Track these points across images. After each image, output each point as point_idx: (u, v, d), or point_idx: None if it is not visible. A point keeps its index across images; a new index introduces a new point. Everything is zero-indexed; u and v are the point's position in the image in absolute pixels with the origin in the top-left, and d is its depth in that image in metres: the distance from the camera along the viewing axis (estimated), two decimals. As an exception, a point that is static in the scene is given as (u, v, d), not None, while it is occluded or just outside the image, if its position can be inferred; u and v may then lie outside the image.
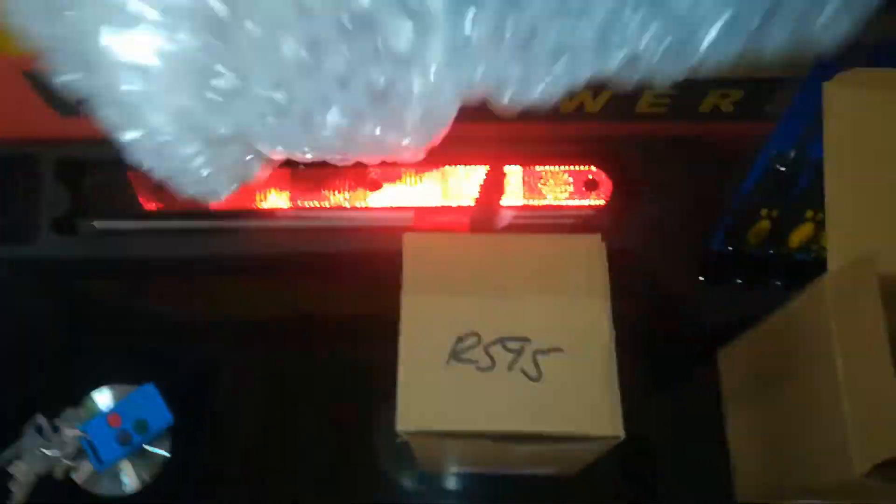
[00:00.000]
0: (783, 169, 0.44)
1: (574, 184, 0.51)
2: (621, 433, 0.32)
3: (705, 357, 0.50)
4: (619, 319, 0.34)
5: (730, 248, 0.49)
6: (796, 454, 0.39)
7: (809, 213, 0.45)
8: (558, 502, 0.47)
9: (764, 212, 0.46)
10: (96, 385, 0.48)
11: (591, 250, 0.36)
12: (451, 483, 0.47)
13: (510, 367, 0.33)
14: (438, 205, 0.50)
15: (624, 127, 0.49)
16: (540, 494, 0.46)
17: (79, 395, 0.48)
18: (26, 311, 0.52)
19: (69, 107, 0.46)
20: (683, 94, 0.46)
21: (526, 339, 0.34)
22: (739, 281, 0.52)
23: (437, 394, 0.33)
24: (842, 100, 0.36)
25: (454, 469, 0.44)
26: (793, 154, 0.43)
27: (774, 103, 0.45)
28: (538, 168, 0.51)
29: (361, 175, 0.51)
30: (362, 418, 0.46)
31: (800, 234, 0.47)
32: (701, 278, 0.52)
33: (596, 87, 0.45)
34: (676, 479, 0.48)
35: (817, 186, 0.36)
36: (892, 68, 0.36)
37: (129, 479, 0.47)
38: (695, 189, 0.50)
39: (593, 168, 0.51)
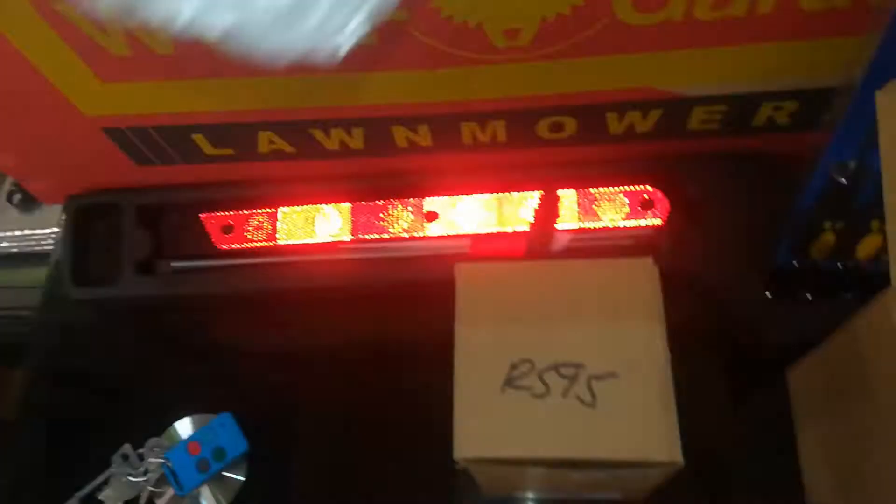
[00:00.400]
0: (844, 180, 0.42)
1: (630, 204, 0.51)
2: (680, 459, 0.32)
3: (775, 375, 0.49)
4: (684, 340, 0.34)
5: (795, 263, 0.48)
6: (869, 473, 0.38)
7: (875, 224, 0.44)
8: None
9: (827, 224, 0.45)
10: (177, 415, 0.51)
11: (643, 273, 0.36)
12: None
13: (564, 394, 0.34)
14: (494, 231, 0.51)
15: (676, 145, 0.49)
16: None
17: (162, 425, 0.51)
18: (112, 349, 0.56)
19: (145, 157, 0.50)
20: (735, 108, 0.46)
21: (580, 365, 0.34)
22: (808, 296, 0.50)
23: (492, 421, 0.33)
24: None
25: (517, 493, 0.44)
26: (853, 164, 0.42)
27: (832, 112, 0.44)
28: (592, 190, 0.51)
29: (419, 206, 0.53)
30: (436, 445, 0.47)
31: (867, 246, 0.45)
32: (767, 294, 0.50)
33: (645, 106, 0.45)
34: (748, 498, 0.47)
35: (881, 196, 0.35)
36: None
37: (208, 502, 0.49)
38: (755, 204, 0.49)
39: (648, 188, 0.51)
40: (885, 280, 0.35)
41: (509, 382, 0.34)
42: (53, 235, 0.66)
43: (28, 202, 0.67)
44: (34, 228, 0.68)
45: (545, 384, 0.34)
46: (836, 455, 0.42)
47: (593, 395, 0.33)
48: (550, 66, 0.41)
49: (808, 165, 0.44)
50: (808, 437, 0.46)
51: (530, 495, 0.45)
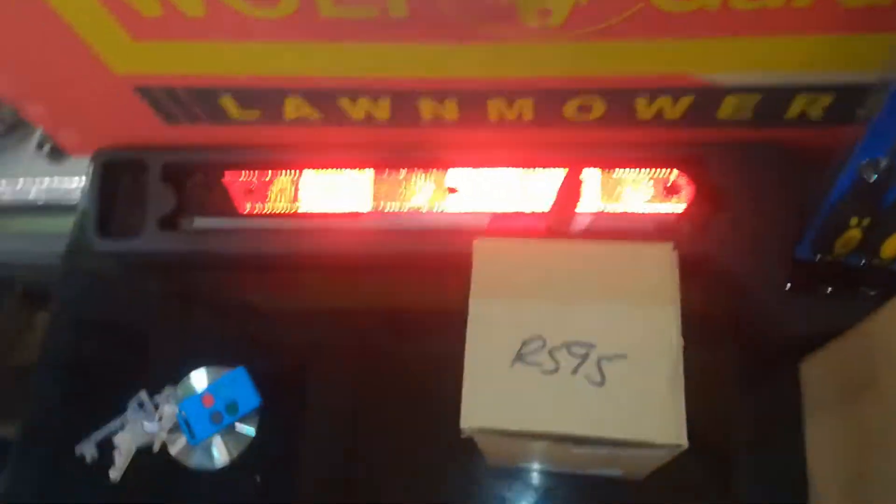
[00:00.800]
0: (874, 177, 0.42)
1: (654, 188, 0.51)
2: (684, 442, 0.32)
3: (789, 366, 0.49)
4: (700, 325, 0.34)
5: (817, 257, 0.47)
6: (877, 472, 0.38)
7: (903, 223, 0.43)
8: (626, 501, 0.47)
9: (854, 220, 0.44)
10: (194, 367, 0.52)
11: (662, 258, 0.36)
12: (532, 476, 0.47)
13: (574, 372, 0.34)
14: (514, 209, 0.51)
15: (705, 132, 0.48)
16: (609, 492, 0.46)
17: (177, 376, 0.52)
18: (133, 300, 0.57)
19: (173, 116, 0.50)
20: (769, 98, 0.45)
21: (591, 345, 0.34)
22: (828, 290, 0.50)
23: (500, 394, 0.34)
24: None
25: (520, 464, 0.45)
26: (884, 162, 0.41)
27: (866, 108, 0.43)
28: (617, 172, 0.51)
29: (440, 180, 0.53)
30: (444, 413, 0.48)
31: (893, 245, 0.45)
32: (787, 286, 0.50)
33: (676, 93, 0.45)
34: (751, 488, 0.47)
35: (912, 195, 0.35)
36: None
37: (219, 454, 0.50)
38: (782, 196, 0.49)
39: (674, 172, 0.51)
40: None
41: (520, 358, 0.34)
42: (81, 186, 0.67)
43: (57, 152, 0.68)
44: (62, 178, 0.69)
45: (555, 361, 0.34)
46: (843, 451, 0.42)
47: (602, 375, 0.34)
48: (582, 47, 0.40)
49: (839, 160, 0.44)
50: (817, 431, 0.46)
51: (534, 467, 0.46)
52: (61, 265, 0.59)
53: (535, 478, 0.47)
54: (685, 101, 0.45)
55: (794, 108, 0.46)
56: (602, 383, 0.33)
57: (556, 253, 0.37)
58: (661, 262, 0.36)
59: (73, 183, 0.65)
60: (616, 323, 0.35)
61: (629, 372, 0.34)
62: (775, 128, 0.47)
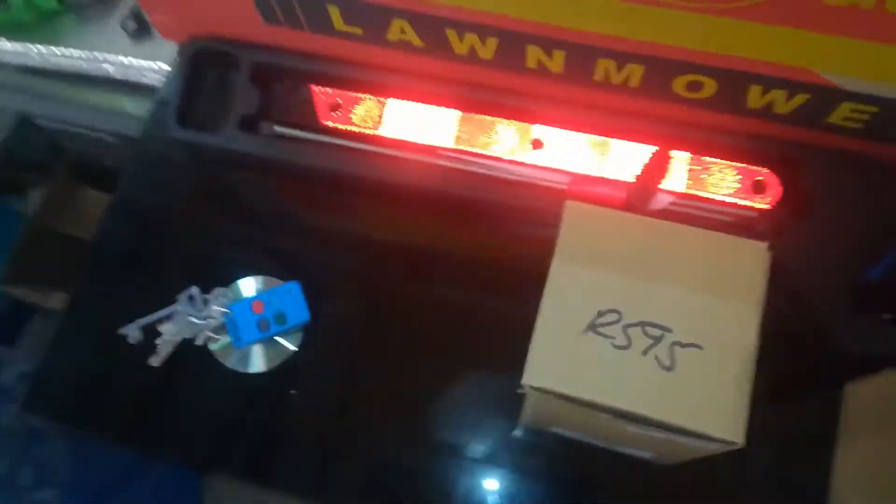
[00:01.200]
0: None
1: (742, 182, 0.49)
2: (742, 441, 0.32)
3: (834, 387, 0.48)
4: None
5: (889, 282, 0.46)
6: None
7: None
8: (640, 484, 0.47)
9: (941, 255, 0.43)
10: (246, 273, 0.53)
11: (755, 257, 0.35)
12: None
13: (645, 352, 0.34)
14: (596, 174, 0.50)
15: (811, 134, 0.47)
16: (622, 471, 0.46)
17: (229, 279, 0.53)
18: (200, 195, 0.57)
19: (274, 15, 0.49)
20: (887, 113, 0.43)
21: (668, 329, 0.34)
22: (889, 317, 0.49)
23: (568, 359, 0.34)
24: None
25: (556, 430, 0.45)
26: None
27: None
28: (707, 159, 0.50)
29: (526, 131, 0.52)
30: (495, 365, 0.48)
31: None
32: (851, 306, 0.49)
33: (793, 87, 0.43)
34: (768, 498, 0.47)
35: None
36: None
37: (258, 360, 0.51)
38: (869, 214, 0.47)
39: (765, 170, 0.49)
40: None
41: (593, 327, 0.34)
42: (159, 71, 0.67)
43: (141, 32, 0.68)
44: (141, 59, 0.69)
45: (628, 338, 0.34)
46: (872, 480, 0.42)
47: (673, 360, 0.33)
48: (715, 22, 0.39)
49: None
50: (849, 457, 0.45)
51: (561, 432, 0.46)
52: (133, 147, 0.59)
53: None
54: (800, 98, 0.44)
55: (914, 127, 0.44)
56: (671, 368, 0.33)
57: (647, 230, 0.36)
58: (753, 260, 0.35)
59: (152, 66, 0.65)
60: (696, 311, 0.34)
61: (701, 362, 0.33)
62: (883, 144, 0.46)
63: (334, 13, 0.47)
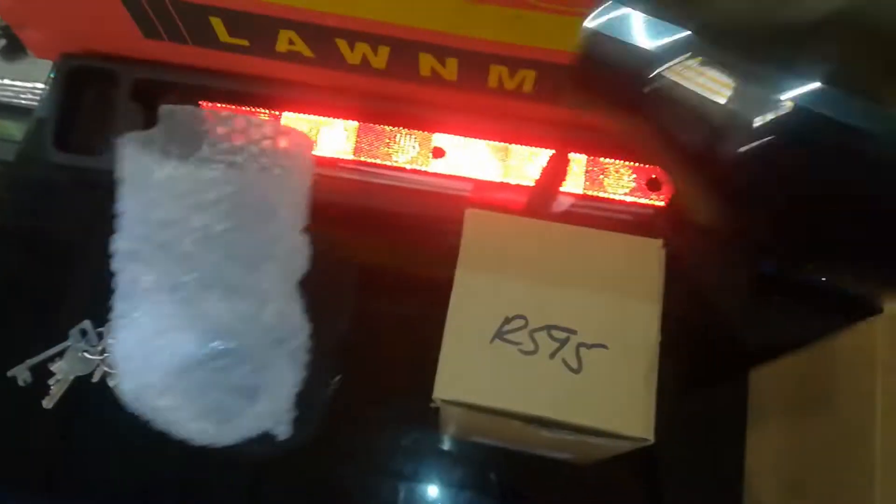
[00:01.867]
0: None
1: (637, 181, 0.51)
2: (651, 437, 0.33)
3: (738, 373, 0.50)
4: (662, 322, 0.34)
5: (782, 272, 0.49)
6: (816, 486, 0.39)
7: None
8: (565, 485, 0.47)
9: (824, 240, 0.45)
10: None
11: (650, 254, 0.36)
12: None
13: (552, 356, 0.34)
14: (499, 180, 0.51)
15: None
16: (548, 475, 0.47)
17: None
18: (86, 221, 0.54)
19: (154, 29, 0.47)
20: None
21: (572, 331, 0.34)
22: (788, 304, 0.51)
23: (477, 368, 0.33)
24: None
25: (477, 440, 0.45)
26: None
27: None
28: (603, 159, 0.51)
29: (426, 140, 0.51)
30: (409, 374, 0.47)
31: (857, 268, 0.46)
32: (750, 295, 0.51)
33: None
34: (685, 490, 0.48)
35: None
36: None
37: (162, 394, 0.48)
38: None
39: (658, 168, 0.51)
40: (870, 306, 0.36)
41: (500, 334, 0.34)
42: (34, 90, 0.63)
43: (12, 51, 0.63)
44: (14, 79, 0.64)
45: (535, 343, 0.34)
46: (784, 462, 0.44)
47: (580, 362, 0.34)
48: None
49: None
50: (759, 440, 0.47)
51: (483, 441, 0.46)
52: (8, 172, 0.55)
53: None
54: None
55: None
56: (579, 370, 0.33)
57: (547, 234, 0.36)
58: (650, 257, 0.36)
59: (28, 86, 0.61)
60: (599, 312, 0.35)
61: (606, 362, 0.34)
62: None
63: (218, 25, 0.46)
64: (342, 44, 0.45)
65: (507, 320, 0.34)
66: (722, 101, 0.22)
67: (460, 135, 0.51)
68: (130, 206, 0.42)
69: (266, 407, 0.43)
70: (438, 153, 0.51)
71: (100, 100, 0.52)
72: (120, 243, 0.43)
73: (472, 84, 0.47)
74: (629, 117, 0.24)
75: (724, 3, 0.23)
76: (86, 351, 0.48)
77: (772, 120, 0.22)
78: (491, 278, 0.35)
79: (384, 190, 0.50)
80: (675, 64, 0.23)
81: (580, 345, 0.34)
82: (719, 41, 0.22)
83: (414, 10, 0.41)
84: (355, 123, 0.51)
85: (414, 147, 0.51)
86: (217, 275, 0.41)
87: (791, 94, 0.22)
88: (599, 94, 0.24)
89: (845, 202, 0.22)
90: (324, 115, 0.50)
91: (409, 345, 0.40)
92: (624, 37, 0.22)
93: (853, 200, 0.22)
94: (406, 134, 0.51)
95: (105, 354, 0.48)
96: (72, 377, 0.47)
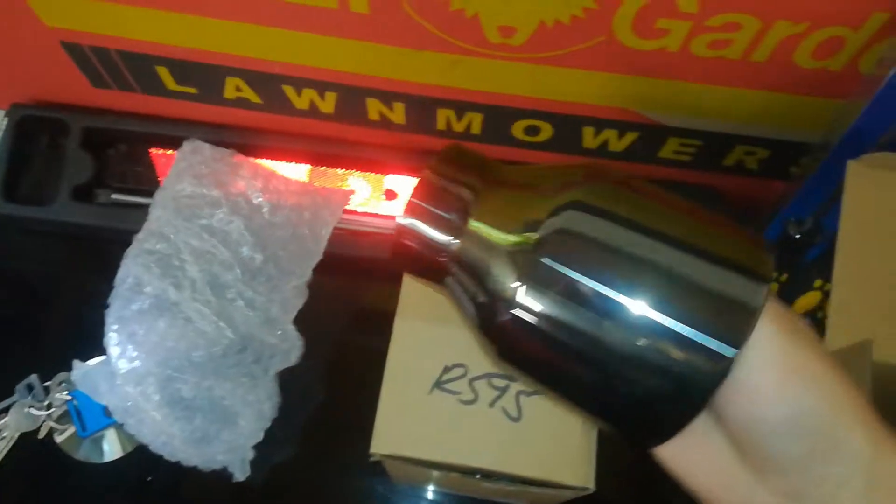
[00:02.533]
0: (798, 235, 0.43)
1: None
2: (592, 485, 0.32)
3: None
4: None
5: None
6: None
7: (818, 283, 0.44)
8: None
9: (773, 274, 0.46)
10: (93, 354, 0.49)
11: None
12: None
13: (492, 404, 0.33)
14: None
15: (647, 169, 0.49)
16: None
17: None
18: (35, 273, 0.53)
19: (102, 80, 0.47)
20: (710, 145, 0.46)
21: (512, 379, 0.34)
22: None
23: (415, 420, 0.33)
24: (864, 180, 0.35)
25: (428, 487, 0.44)
26: (809, 222, 0.42)
27: (800, 167, 0.44)
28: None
29: (378, 182, 0.51)
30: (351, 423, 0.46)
31: (806, 301, 0.46)
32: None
33: (623, 127, 0.45)
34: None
35: (829, 258, 0.36)
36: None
37: (110, 446, 0.47)
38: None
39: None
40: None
41: (439, 384, 0.34)
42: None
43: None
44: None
45: (475, 392, 0.33)
46: None
47: (519, 410, 0.33)
48: (539, 69, 0.40)
49: (766, 214, 0.45)
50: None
51: (435, 489, 0.45)
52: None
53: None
54: (630, 137, 0.46)
55: (732, 157, 0.47)
56: (518, 418, 0.33)
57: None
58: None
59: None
60: (539, 358, 0.34)
61: (545, 409, 0.33)
62: (713, 173, 0.48)
63: (164, 74, 0.46)
64: (289, 90, 0.45)
65: (447, 369, 0.34)
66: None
67: (413, 176, 0.51)
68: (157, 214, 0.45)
69: (239, 434, 0.43)
70: (391, 195, 0.51)
71: (51, 149, 0.52)
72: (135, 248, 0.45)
73: (421, 127, 0.47)
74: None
75: None
76: (32, 406, 0.47)
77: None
78: (430, 327, 0.35)
79: (336, 234, 0.50)
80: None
81: (519, 392, 0.33)
82: None
83: (356, 58, 0.41)
84: (307, 167, 0.51)
85: (366, 189, 0.51)
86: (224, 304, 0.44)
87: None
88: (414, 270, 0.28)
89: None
90: (275, 160, 0.50)
91: (356, 391, 0.40)
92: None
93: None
94: (358, 176, 0.51)
95: (51, 410, 0.47)
96: (17, 434, 0.46)
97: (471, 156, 0.27)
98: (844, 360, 0.34)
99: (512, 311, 0.23)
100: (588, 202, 0.23)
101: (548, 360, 0.24)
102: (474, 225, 0.25)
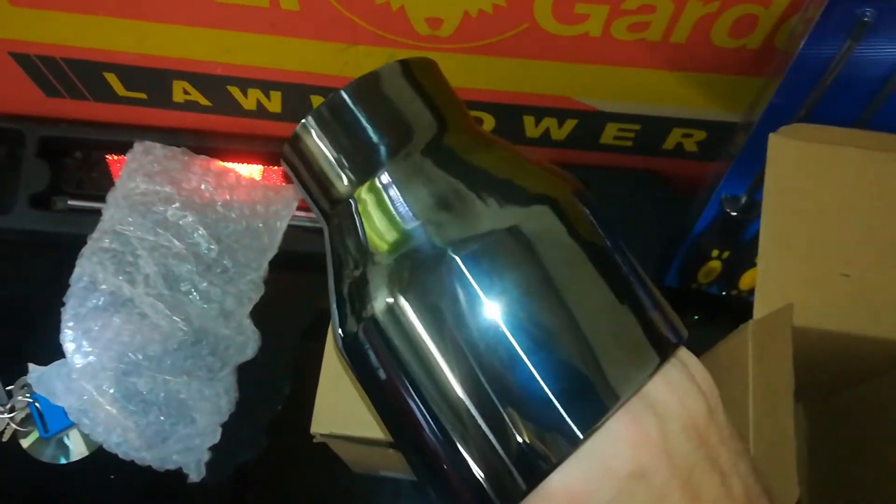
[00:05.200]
0: (734, 212, 0.44)
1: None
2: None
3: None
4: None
5: (681, 286, 0.50)
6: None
7: (759, 258, 0.46)
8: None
9: (715, 252, 0.47)
10: (53, 358, 0.49)
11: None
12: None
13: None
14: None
15: (588, 156, 0.50)
16: None
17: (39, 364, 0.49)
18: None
19: (54, 89, 0.48)
20: (648, 129, 0.47)
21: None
22: (695, 318, 0.52)
23: (353, 400, 0.34)
24: (784, 151, 0.36)
25: (381, 472, 0.45)
26: (744, 199, 0.44)
27: (731, 146, 0.46)
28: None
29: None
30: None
31: (750, 278, 0.47)
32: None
33: (561, 115, 0.46)
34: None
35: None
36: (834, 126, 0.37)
37: (75, 446, 0.48)
38: (656, 224, 0.51)
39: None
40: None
41: (377, 364, 0.35)
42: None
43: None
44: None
45: (411, 370, 0.34)
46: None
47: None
48: (472, 60, 0.41)
49: (704, 194, 0.46)
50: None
51: (396, 476, 0.46)
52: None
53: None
54: (570, 124, 0.47)
55: (671, 141, 0.48)
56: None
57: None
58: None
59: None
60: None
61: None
62: (655, 157, 0.50)
63: (114, 81, 0.47)
64: (235, 91, 0.47)
65: (384, 350, 0.35)
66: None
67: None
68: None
69: (195, 431, 0.44)
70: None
71: (8, 159, 0.53)
72: (90, 247, 0.45)
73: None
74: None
75: None
76: (-6, 409, 0.47)
77: None
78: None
79: (292, 232, 0.51)
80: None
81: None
82: None
83: (293, 56, 0.42)
84: (260, 167, 0.52)
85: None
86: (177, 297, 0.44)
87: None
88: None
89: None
90: (228, 161, 0.51)
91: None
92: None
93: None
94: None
95: (14, 413, 0.48)
96: (-21, 437, 0.47)
97: (441, 88, 0.23)
98: (767, 325, 0.35)
99: (365, 322, 0.20)
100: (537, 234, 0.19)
101: (379, 387, 0.21)
102: (366, 194, 0.21)
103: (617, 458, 0.18)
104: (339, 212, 0.22)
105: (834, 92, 0.37)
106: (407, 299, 0.19)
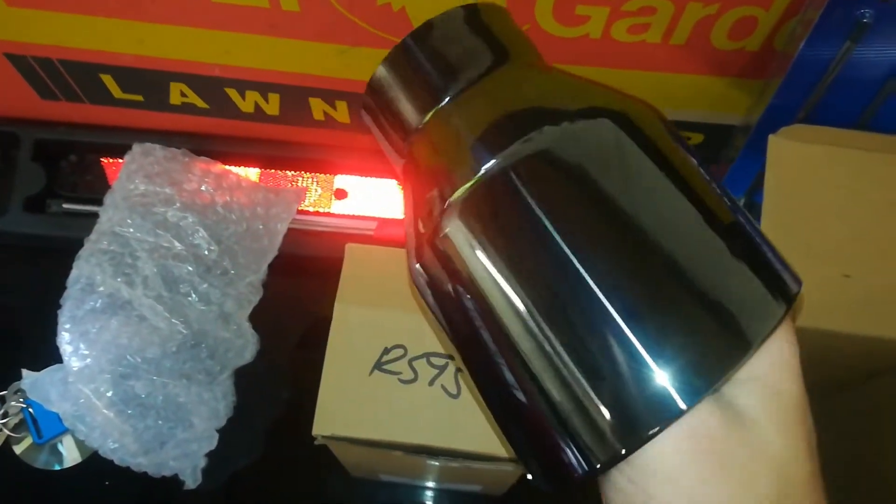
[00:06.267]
0: (733, 214, 0.44)
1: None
2: (531, 458, 0.33)
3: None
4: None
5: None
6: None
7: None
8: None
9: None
10: (46, 363, 0.49)
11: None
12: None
13: (431, 383, 0.34)
14: (402, 217, 0.51)
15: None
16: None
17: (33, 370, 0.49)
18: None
19: (49, 91, 0.48)
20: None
21: (450, 357, 0.34)
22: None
23: (356, 401, 0.33)
24: (784, 152, 0.37)
25: (380, 476, 0.44)
26: (742, 201, 0.44)
27: (730, 149, 0.46)
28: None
29: (329, 182, 0.52)
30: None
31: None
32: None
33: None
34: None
35: (765, 234, 0.37)
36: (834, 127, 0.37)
37: (68, 453, 0.47)
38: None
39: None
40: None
41: (379, 366, 0.34)
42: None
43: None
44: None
45: (414, 371, 0.34)
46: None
47: (458, 387, 0.34)
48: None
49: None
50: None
51: (394, 479, 0.46)
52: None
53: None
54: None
55: (670, 143, 0.48)
56: (457, 395, 0.34)
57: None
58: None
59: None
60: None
61: (485, 385, 0.34)
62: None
63: (110, 83, 0.46)
64: (233, 93, 0.46)
65: (387, 351, 0.35)
66: None
67: (361, 175, 0.52)
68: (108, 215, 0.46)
69: (192, 436, 0.43)
70: (341, 194, 0.52)
71: (2, 162, 0.53)
72: (88, 249, 0.45)
73: (365, 126, 0.48)
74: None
75: None
76: (-14, 415, 0.47)
77: None
78: (370, 310, 0.35)
79: (292, 234, 0.50)
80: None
81: (458, 370, 0.34)
82: None
83: (292, 57, 0.42)
84: (257, 170, 0.52)
85: (316, 190, 0.52)
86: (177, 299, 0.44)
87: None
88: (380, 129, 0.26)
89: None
90: (225, 164, 0.51)
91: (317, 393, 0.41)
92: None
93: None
94: (308, 177, 0.52)
95: (7, 419, 0.47)
96: (-28, 443, 0.46)
97: (507, 24, 0.24)
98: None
99: (447, 224, 0.20)
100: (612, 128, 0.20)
101: (459, 307, 0.21)
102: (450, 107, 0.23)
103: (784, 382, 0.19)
104: (427, 126, 0.23)
105: (833, 93, 0.37)
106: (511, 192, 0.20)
